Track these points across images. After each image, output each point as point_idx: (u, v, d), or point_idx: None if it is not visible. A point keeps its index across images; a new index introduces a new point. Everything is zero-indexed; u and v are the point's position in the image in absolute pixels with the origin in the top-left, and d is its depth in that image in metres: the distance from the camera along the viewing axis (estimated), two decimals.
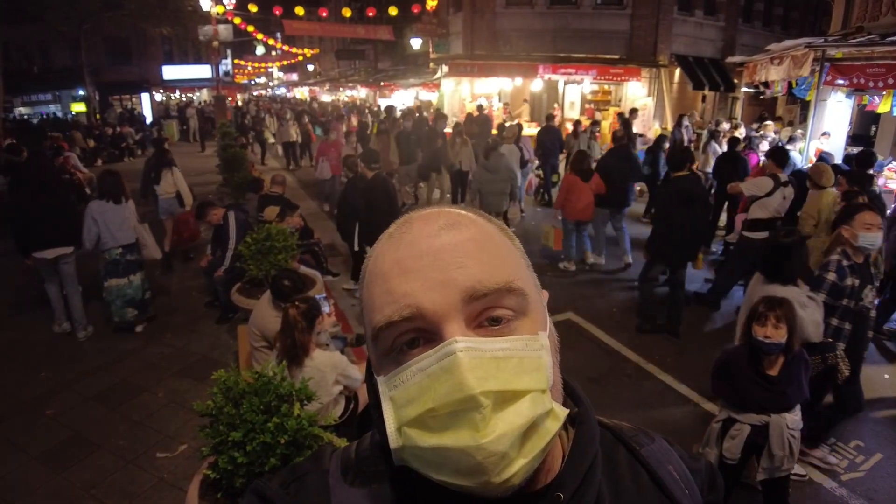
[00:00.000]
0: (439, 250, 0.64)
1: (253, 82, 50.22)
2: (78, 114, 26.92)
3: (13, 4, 14.52)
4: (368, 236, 6.36)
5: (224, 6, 20.15)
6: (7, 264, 8.69)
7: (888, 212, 6.45)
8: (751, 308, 3.12)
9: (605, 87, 19.10)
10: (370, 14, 22.74)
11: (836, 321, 3.84)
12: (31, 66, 29.58)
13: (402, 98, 25.41)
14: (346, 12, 23.62)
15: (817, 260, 5.00)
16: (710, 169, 9.84)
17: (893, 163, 8.75)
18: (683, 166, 6.04)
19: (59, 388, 5.15)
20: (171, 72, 33.99)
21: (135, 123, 24.46)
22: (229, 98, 29.85)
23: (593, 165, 8.16)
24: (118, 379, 5.29)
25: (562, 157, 12.43)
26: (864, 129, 12.82)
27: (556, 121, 13.24)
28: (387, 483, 0.71)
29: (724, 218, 9.09)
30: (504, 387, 0.59)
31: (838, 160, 8.42)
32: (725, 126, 13.42)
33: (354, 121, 22.10)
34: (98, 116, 26.14)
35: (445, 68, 19.07)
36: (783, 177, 6.18)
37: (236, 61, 44.56)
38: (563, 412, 0.63)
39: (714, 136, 11.27)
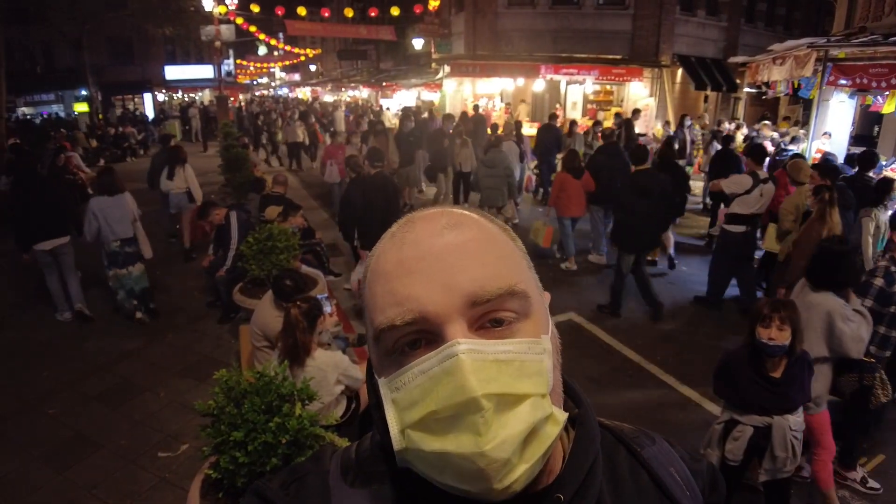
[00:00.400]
0: (442, 251, 0.64)
1: (255, 82, 50.26)
2: (80, 114, 26.95)
3: (16, 5, 14.55)
4: (365, 236, 6.29)
5: (226, 6, 20.16)
6: (11, 264, 8.72)
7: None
8: (754, 309, 3.11)
9: (608, 87, 19.10)
10: (372, 14, 22.75)
11: (884, 329, 3.76)
12: (33, 67, 29.62)
13: (404, 98, 25.41)
14: (349, 12, 23.65)
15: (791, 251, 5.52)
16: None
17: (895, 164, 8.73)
18: (644, 161, 6.56)
19: (61, 387, 5.16)
20: (173, 72, 34.03)
21: (137, 123, 24.51)
22: (231, 98, 29.91)
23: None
24: (120, 378, 5.30)
25: (560, 156, 12.43)
26: (867, 129, 12.80)
27: (559, 121, 13.25)
28: (387, 484, 0.70)
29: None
30: (505, 390, 0.58)
31: (841, 160, 8.41)
32: (727, 126, 13.44)
33: (353, 120, 22.09)
34: (101, 116, 26.19)
35: (447, 68, 19.07)
36: (762, 174, 6.29)
37: (239, 61, 44.59)
38: (562, 416, 0.63)
39: (716, 136, 11.26)
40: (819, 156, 8.76)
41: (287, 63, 45.29)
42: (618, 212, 6.64)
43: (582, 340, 6.04)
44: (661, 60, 17.69)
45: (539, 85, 18.09)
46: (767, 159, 8.65)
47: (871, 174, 6.65)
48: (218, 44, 20.87)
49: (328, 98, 35.85)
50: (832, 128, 10.46)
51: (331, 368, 3.51)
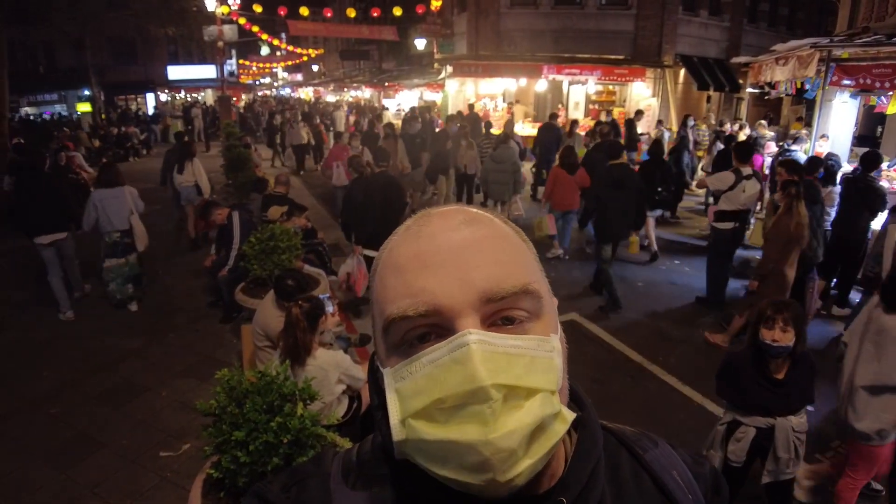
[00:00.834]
0: (458, 247, 0.64)
1: (258, 83, 50.34)
2: (83, 114, 27.02)
3: (19, 5, 14.57)
4: (362, 234, 6.24)
5: (229, 6, 20.19)
6: (11, 264, 8.74)
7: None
8: (758, 311, 3.09)
9: (610, 87, 19.10)
10: (374, 14, 22.78)
11: None
12: (36, 67, 29.71)
13: (406, 98, 25.42)
14: (351, 13, 23.70)
15: None
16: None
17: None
18: (619, 156, 6.89)
19: (63, 387, 5.16)
20: (176, 72, 34.11)
21: (140, 123, 24.55)
22: (234, 98, 29.94)
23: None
24: (121, 378, 5.30)
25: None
26: (870, 129, 12.77)
27: (560, 120, 13.29)
28: (388, 486, 0.70)
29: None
30: (515, 382, 0.58)
31: (844, 161, 8.41)
32: (729, 127, 13.43)
33: (353, 120, 22.05)
34: (103, 116, 26.24)
35: (450, 69, 19.09)
36: (746, 171, 6.38)
37: (241, 61, 44.66)
38: (570, 415, 0.62)
39: (719, 136, 11.25)
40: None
41: (289, 63, 45.39)
42: (593, 202, 6.94)
43: (583, 340, 6.03)
44: (664, 61, 17.68)
45: (541, 85, 18.10)
46: (770, 159, 8.64)
47: (873, 175, 6.63)
48: (220, 44, 20.87)
49: (330, 98, 35.89)
50: (835, 128, 10.43)
51: (332, 368, 3.50)
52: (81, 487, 3.88)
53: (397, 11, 20.58)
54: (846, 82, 8.74)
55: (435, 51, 21.33)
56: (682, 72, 18.09)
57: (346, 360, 3.67)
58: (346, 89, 35.14)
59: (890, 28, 9.27)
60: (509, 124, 11.27)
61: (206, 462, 2.83)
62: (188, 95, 36.51)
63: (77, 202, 7.05)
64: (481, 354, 0.58)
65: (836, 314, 6.51)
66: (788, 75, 9.61)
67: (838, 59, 8.64)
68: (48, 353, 5.82)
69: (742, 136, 12.11)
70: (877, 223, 6.73)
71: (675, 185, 10.25)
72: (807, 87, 9.74)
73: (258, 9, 21.75)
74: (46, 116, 28.10)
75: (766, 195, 8.44)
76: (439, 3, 19.87)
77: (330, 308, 4.06)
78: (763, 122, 12.48)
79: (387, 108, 24.99)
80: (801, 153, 8.96)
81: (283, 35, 37.06)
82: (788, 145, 9.79)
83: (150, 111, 31.02)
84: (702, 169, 12.45)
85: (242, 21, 22.22)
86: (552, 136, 11.98)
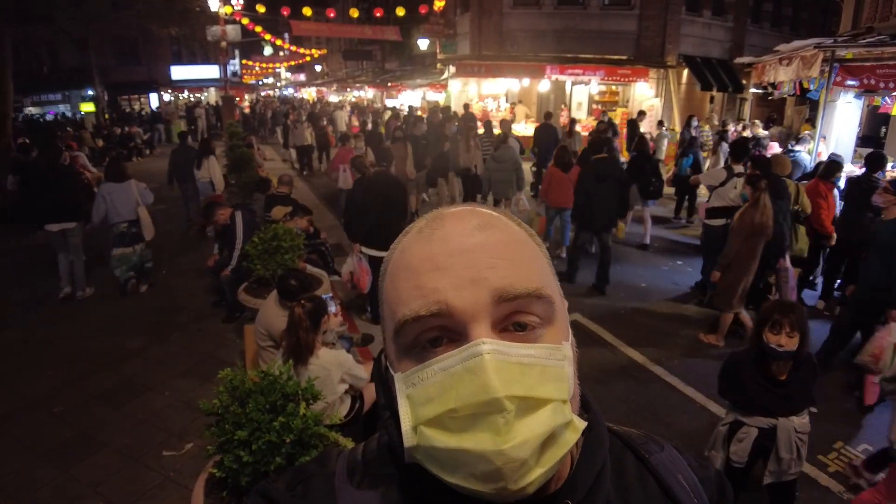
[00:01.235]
0: (472, 249, 0.63)
1: (261, 83, 50.41)
2: (87, 114, 27.08)
3: (23, 5, 14.61)
4: (359, 232, 6.21)
5: (232, 7, 20.22)
6: (15, 263, 8.77)
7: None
8: (762, 313, 3.08)
9: (613, 87, 19.09)
10: (377, 15, 22.80)
11: None
12: (40, 67, 29.81)
13: (409, 98, 25.41)
14: (354, 13, 23.70)
15: None
16: None
17: None
18: (601, 150, 7.41)
19: (66, 386, 5.17)
20: (179, 72, 34.18)
21: (143, 123, 24.60)
22: (237, 98, 29.98)
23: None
24: (124, 377, 5.31)
25: None
26: (874, 130, 12.73)
27: (562, 121, 13.34)
28: (394, 486, 0.70)
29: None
30: (528, 393, 0.58)
31: (848, 162, 8.38)
32: (732, 127, 13.40)
33: (355, 121, 22.02)
34: (107, 116, 26.30)
35: (452, 69, 19.10)
36: (738, 169, 6.55)
37: (244, 62, 44.74)
38: (581, 424, 0.62)
39: (723, 137, 11.23)
40: (818, 159, 8.72)
41: (292, 63, 45.43)
42: (578, 195, 7.28)
43: (586, 341, 6.02)
44: (667, 61, 17.65)
45: (544, 85, 18.09)
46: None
47: (877, 175, 6.61)
48: (223, 44, 20.91)
49: (334, 98, 35.93)
50: (838, 129, 10.40)
51: (335, 367, 3.51)
52: (84, 487, 3.88)
53: (400, 12, 20.60)
54: (850, 83, 8.72)
55: (438, 51, 21.33)
56: (686, 72, 18.06)
57: (349, 359, 3.67)
58: (348, 89, 35.17)
59: (894, 28, 9.25)
60: (506, 124, 11.22)
61: (209, 461, 2.83)
62: (191, 95, 36.56)
63: (85, 195, 7.50)
64: (495, 365, 0.57)
65: None
66: (792, 76, 9.60)
67: (842, 59, 8.63)
68: (51, 352, 5.83)
69: (744, 136, 12.11)
70: None
71: (686, 188, 10.32)
72: (811, 87, 9.72)
73: (261, 9, 21.78)
74: (50, 116, 28.16)
75: None
76: (442, 4, 19.88)
77: (332, 308, 4.06)
78: (756, 121, 12.49)
79: (389, 109, 25.01)
80: (804, 153, 8.95)
81: (287, 35, 37.02)
82: (792, 146, 9.78)
83: (153, 111, 31.08)
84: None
85: (245, 21, 22.25)
86: (549, 136, 11.97)
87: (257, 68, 46.63)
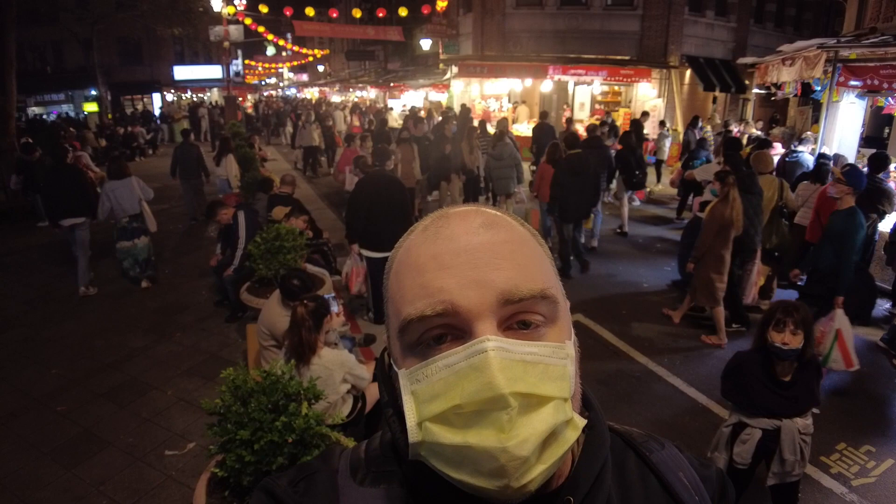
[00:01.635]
0: (477, 248, 0.64)
1: (263, 83, 50.45)
2: (90, 113, 27.15)
3: (27, 5, 14.66)
4: (355, 232, 6.17)
5: (235, 7, 20.24)
6: (19, 262, 8.80)
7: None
8: (767, 312, 3.08)
9: (616, 88, 19.05)
10: (380, 15, 22.80)
11: None
12: (44, 67, 29.91)
13: (411, 99, 25.40)
14: (357, 13, 23.71)
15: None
16: None
17: None
18: (576, 146, 7.90)
19: (70, 385, 5.19)
20: (182, 72, 34.24)
21: (146, 123, 24.64)
22: (240, 98, 30.00)
23: None
24: (128, 377, 5.32)
25: None
26: (878, 130, 12.69)
27: (564, 121, 13.38)
28: (397, 483, 0.70)
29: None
30: (531, 391, 0.58)
31: (850, 161, 8.34)
32: (735, 128, 13.38)
33: (356, 121, 21.98)
34: (110, 116, 26.36)
35: (455, 69, 19.09)
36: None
37: (247, 62, 44.78)
38: (581, 422, 0.63)
39: (726, 137, 11.21)
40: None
41: (295, 63, 45.44)
42: (555, 188, 7.59)
43: (589, 342, 6.02)
44: (670, 61, 17.62)
45: (547, 86, 18.08)
46: (776, 159, 8.62)
47: (881, 176, 6.58)
48: (226, 44, 20.95)
49: (336, 98, 35.95)
50: (842, 129, 10.37)
51: (337, 367, 3.51)
52: (87, 485, 3.89)
53: (403, 12, 20.61)
54: (853, 83, 8.69)
55: (440, 51, 21.32)
56: (688, 72, 18.02)
57: (351, 359, 3.68)
58: (351, 89, 35.18)
59: None
60: (503, 122, 11.26)
61: (211, 461, 2.84)
62: (194, 95, 36.62)
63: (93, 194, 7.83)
64: (499, 362, 0.58)
65: None
66: (795, 76, 9.57)
67: (845, 59, 8.60)
68: (55, 351, 5.85)
69: (746, 137, 12.09)
70: (884, 225, 6.71)
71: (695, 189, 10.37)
72: (815, 87, 9.70)
73: (264, 9, 21.80)
74: (53, 116, 28.23)
75: None
76: (445, 4, 19.87)
77: (335, 308, 4.06)
78: (750, 120, 12.52)
79: (391, 109, 24.99)
80: (807, 154, 8.92)
81: (289, 35, 37.07)
82: (795, 146, 9.76)
83: (157, 111, 31.13)
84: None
85: (248, 21, 22.26)
86: (547, 135, 11.99)
87: (260, 68, 46.65)
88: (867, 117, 11.15)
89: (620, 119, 16.27)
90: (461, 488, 0.60)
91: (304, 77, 49.66)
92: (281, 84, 51.01)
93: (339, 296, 5.82)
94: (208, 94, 37.22)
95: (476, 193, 10.57)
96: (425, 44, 21.47)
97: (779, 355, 2.96)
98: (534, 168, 12.61)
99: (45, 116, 27.65)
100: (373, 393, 3.90)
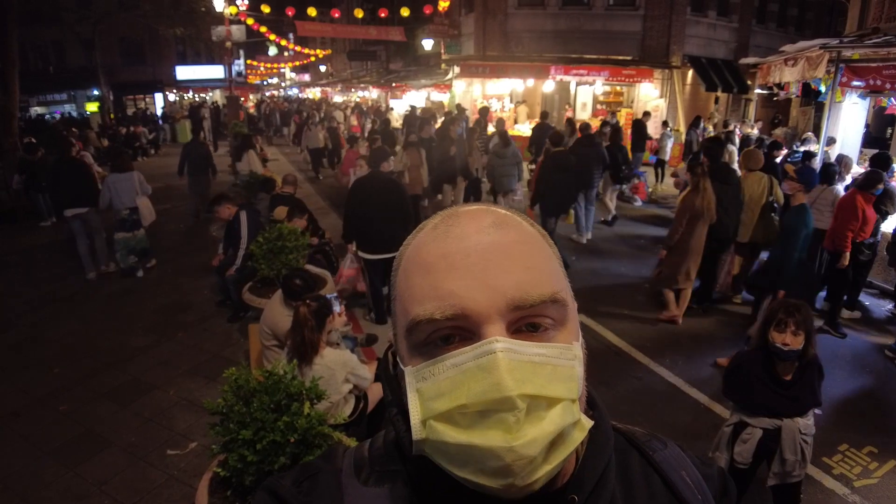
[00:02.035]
0: (487, 250, 0.63)
1: (265, 83, 50.46)
2: (92, 113, 27.19)
3: (30, 5, 14.69)
4: (352, 233, 6.17)
5: (237, 7, 20.24)
6: (22, 262, 8.81)
7: None
8: (768, 312, 3.08)
9: (618, 88, 19.03)
10: (382, 15, 22.79)
11: None
12: (46, 67, 29.93)
13: (413, 99, 25.38)
14: (359, 13, 23.70)
15: (745, 233, 6.53)
16: None
17: None
18: (560, 144, 8.17)
19: (72, 384, 5.20)
20: (184, 72, 34.23)
21: (148, 123, 24.67)
22: (242, 98, 30.01)
23: None
24: (130, 376, 5.33)
25: None
26: (881, 130, 12.68)
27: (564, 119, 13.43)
28: (401, 481, 0.70)
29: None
30: (539, 392, 0.58)
31: (854, 163, 8.35)
32: (733, 127, 13.39)
33: (355, 120, 21.93)
34: (112, 116, 26.38)
35: (457, 69, 19.06)
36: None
37: (249, 62, 44.77)
38: (588, 423, 0.63)
39: (730, 138, 11.23)
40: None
41: (297, 63, 45.43)
42: (540, 183, 7.92)
43: (591, 341, 6.02)
44: (672, 61, 17.60)
45: (549, 86, 18.06)
46: (779, 159, 8.63)
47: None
48: (228, 44, 20.94)
49: (338, 98, 35.93)
50: (844, 130, 10.36)
51: (339, 367, 3.51)
52: (89, 484, 3.90)
53: (405, 12, 20.58)
54: (856, 83, 8.68)
55: (442, 51, 21.30)
56: (690, 73, 17.99)
57: (353, 359, 3.68)
58: (353, 90, 35.16)
59: None
60: (502, 122, 11.35)
61: (213, 460, 2.85)
62: (196, 95, 36.63)
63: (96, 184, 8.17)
64: (508, 363, 0.58)
65: (846, 317, 6.46)
66: (797, 76, 9.56)
67: (848, 60, 8.59)
68: (57, 351, 5.86)
69: (751, 138, 12.08)
70: (887, 226, 6.70)
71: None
72: (818, 88, 9.68)
73: (266, 9, 21.79)
74: (56, 116, 28.27)
75: None
76: (447, 4, 19.86)
77: (337, 308, 4.07)
78: (746, 120, 12.57)
79: (392, 109, 24.96)
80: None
81: (291, 35, 37.05)
82: (797, 146, 9.76)
83: (159, 111, 31.16)
84: None
85: (250, 21, 22.25)
86: (545, 135, 11.99)
87: (262, 68, 46.65)
88: (870, 117, 11.15)
89: (623, 119, 16.24)
90: (465, 485, 0.60)
91: (306, 77, 49.68)
92: (283, 84, 51.02)
93: (340, 296, 5.82)
94: (210, 94, 37.24)
95: (478, 197, 10.54)
96: (427, 44, 21.45)
97: (779, 356, 2.96)
98: (532, 167, 12.65)
99: (48, 117, 27.68)
100: (375, 393, 3.91)
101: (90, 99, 28.97)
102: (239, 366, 2.89)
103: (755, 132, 12.68)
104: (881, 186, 6.12)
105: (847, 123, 10.47)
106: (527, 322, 0.63)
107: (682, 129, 15.81)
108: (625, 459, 0.78)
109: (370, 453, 0.76)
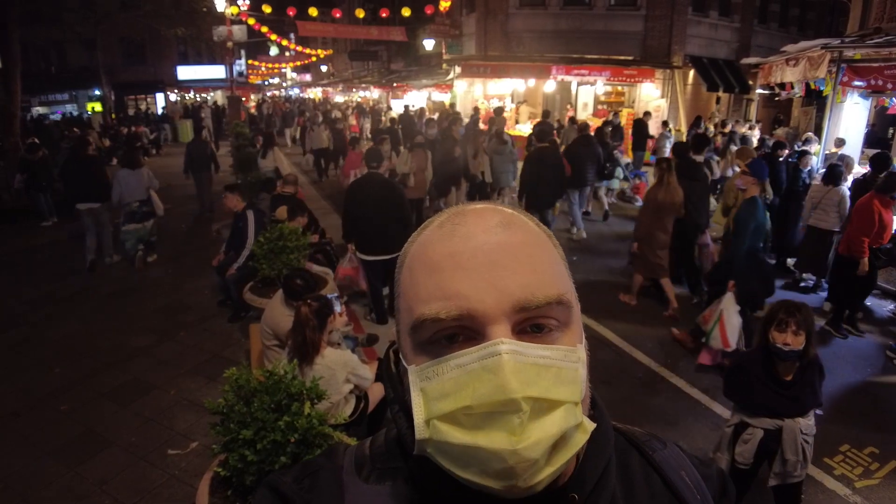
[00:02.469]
0: (494, 250, 0.63)
1: (267, 83, 50.48)
2: (94, 113, 27.21)
3: (31, 6, 14.72)
4: (351, 234, 6.17)
5: (238, 7, 20.26)
6: (22, 262, 8.82)
7: None
8: (769, 312, 3.07)
9: (619, 88, 19.03)
10: (383, 15, 22.81)
11: None
12: (48, 67, 29.97)
13: (414, 99, 25.38)
14: (360, 13, 23.71)
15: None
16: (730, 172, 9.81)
17: None
18: (545, 140, 8.37)
19: (73, 384, 5.20)
20: (185, 72, 34.24)
21: (150, 123, 24.68)
22: (244, 98, 30.04)
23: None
24: (131, 376, 5.33)
25: None
26: (883, 130, 12.67)
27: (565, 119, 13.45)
28: (402, 480, 0.70)
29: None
30: (543, 394, 0.58)
31: (856, 163, 8.35)
32: (730, 127, 13.40)
33: (353, 120, 21.89)
34: (113, 116, 26.40)
35: (458, 69, 19.07)
36: (699, 159, 7.26)
37: (250, 62, 44.79)
38: (590, 426, 0.62)
39: (733, 138, 11.23)
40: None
41: (298, 63, 45.43)
42: (523, 177, 8.21)
43: (592, 342, 5.89)
44: (673, 61, 17.60)
45: (550, 86, 18.06)
46: (780, 159, 8.63)
47: (883, 175, 6.57)
48: (230, 44, 20.97)
49: (339, 98, 35.94)
50: (846, 130, 10.34)
51: (340, 367, 3.51)
52: (90, 484, 3.90)
53: (406, 12, 20.58)
54: (857, 83, 8.67)
55: (443, 51, 21.31)
56: (692, 73, 18.00)
57: (354, 359, 3.68)
58: (354, 90, 35.17)
59: None
60: (500, 122, 11.48)
61: (214, 460, 2.84)
62: (197, 95, 36.65)
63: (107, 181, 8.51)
64: (513, 365, 0.58)
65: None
66: (799, 76, 9.56)
67: (849, 60, 8.58)
68: (58, 350, 5.86)
69: (753, 138, 12.08)
70: None
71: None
72: (821, 89, 9.67)
73: (267, 9, 21.80)
74: (58, 116, 28.29)
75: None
76: (448, 4, 19.86)
77: (338, 308, 4.07)
78: (739, 121, 12.59)
79: (391, 109, 24.93)
80: (810, 155, 8.90)
81: (293, 35, 37.11)
82: (799, 146, 9.74)
83: (160, 111, 31.18)
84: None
85: (252, 21, 22.28)
86: (546, 135, 12.03)
87: (263, 68, 46.66)
88: (872, 117, 11.14)
89: (624, 119, 16.22)
90: (467, 485, 0.60)
91: (308, 77, 49.70)
92: (284, 84, 51.04)
93: (341, 295, 5.82)
94: (211, 94, 37.27)
95: (482, 199, 10.45)
96: (428, 44, 21.45)
97: (780, 356, 2.95)
98: None
99: (51, 116, 27.70)
100: (375, 393, 3.91)
101: (91, 99, 29.00)
102: (240, 366, 2.89)
103: (756, 133, 12.66)
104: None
105: (849, 123, 10.45)
106: (531, 323, 0.62)
107: (684, 129, 15.81)
108: (625, 459, 0.78)
109: (371, 451, 0.76)
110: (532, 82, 18.30)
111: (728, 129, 13.05)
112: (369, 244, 5.94)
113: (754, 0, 19.73)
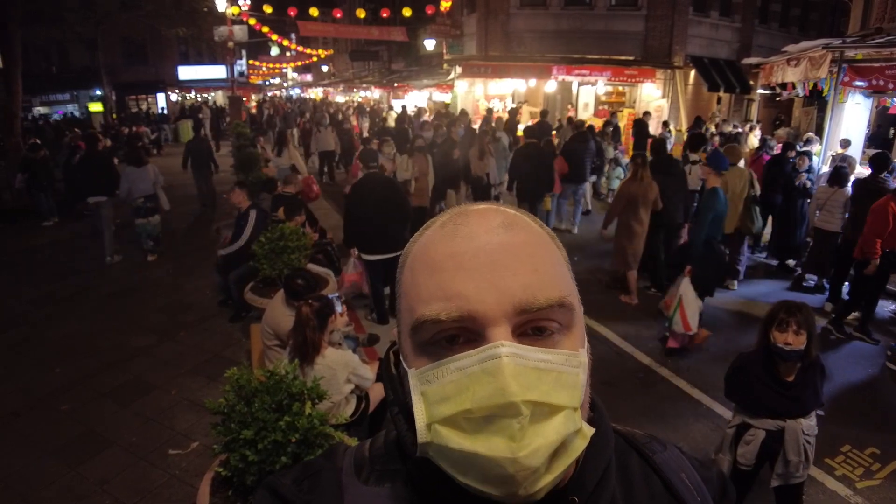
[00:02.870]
0: (496, 251, 0.62)
1: (267, 83, 50.47)
2: (95, 113, 27.22)
3: (32, 6, 14.73)
4: (351, 235, 6.17)
5: (239, 7, 20.27)
6: (23, 262, 8.83)
7: None
8: (769, 313, 3.07)
9: (620, 88, 19.01)
10: (384, 15, 22.80)
11: None
12: (49, 67, 29.97)
13: (415, 99, 25.36)
14: (360, 13, 23.71)
15: (730, 225, 6.66)
16: None
17: None
18: (533, 136, 9.00)
19: (73, 384, 5.21)
20: (186, 72, 34.22)
21: (151, 123, 24.69)
22: (244, 98, 30.04)
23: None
24: (132, 376, 5.34)
25: None
26: (884, 130, 12.64)
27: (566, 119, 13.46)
28: (401, 482, 0.70)
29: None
30: (543, 399, 0.58)
31: (857, 163, 8.33)
32: (729, 127, 13.40)
33: (354, 120, 21.87)
34: (115, 116, 26.41)
35: (459, 69, 19.04)
36: (693, 157, 7.58)
37: (251, 62, 44.78)
38: (590, 431, 0.62)
39: (737, 139, 11.21)
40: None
41: (299, 64, 45.44)
42: (511, 171, 8.81)
43: (593, 342, 5.85)
44: (674, 62, 17.57)
45: (551, 86, 18.05)
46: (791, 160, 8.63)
47: (884, 177, 6.56)
48: (231, 44, 20.97)
49: (340, 99, 35.91)
50: (847, 130, 10.33)
51: (341, 367, 3.51)
52: (90, 484, 3.90)
53: (407, 12, 20.57)
54: (858, 83, 8.66)
55: (444, 51, 21.29)
56: (693, 73, 17.97)
57: (355, 359, 3.68)
58: (355, 90, 35.15)
59: None
60: (500, 121, 12.11)
61: (215, 460, 2.84)
62: (198, 95, 36.65)
63: (116, 175, 8.91)
64: (513, 368, 0.57)
65: (849, 317, 6.44)
66: (800, 76, 9.55)
67: (851, 60, 8.57)
68: (60, 350, 5.86)
69: (753, 139, 12.07)
70: None
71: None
72: (822, 88, 9.66)
73: (268, 9, 21.81)
74: (59, 116, 28.30)
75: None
76: (449, 4, 19.85)
77: (339, 308, 4.06)
78: (735, 120, 12.68)
79: (391, 109, 24.91)
80: (813, 154, 8.90)
81: (293, 36, 37.14)
82: (800, 146, 9.73)
83: (160, 111, 31.20)
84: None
85: (253, 22, 22.28)
86: (545, 133, 12.04)
87: (264, 69, 46.67)
88: (873, 117, 11.12)
89: (625, 119, 16.21)
90: (467, 490, 0.60)
91: (308, 77, 49.69)
92: (285, 84, 51.04)
93: (342, 296, 5.82)
94: (212, 94, 37.27)
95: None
96: (429, 44, 21.43)
97: (781, 356, 2.95)
98: None
99: (52, 117, 27.72)
100: (376, 393, 3.90)
101: (93, 99, 28.98)
102: (240, 366, 2.89)
103: (756, 133, 12.64)
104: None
105: (850, 123, 10.43)
106: (533, 326, 0.62)
107: (685, 129, 15.79)
108: (625, 461, 0.78)
109: (371, 452, 0.76)
110: (533, 82, 18.27)
111: (731, 129, 13.04)
112: (370, 243, 5.94)
113: (755, 0, 19.70)
